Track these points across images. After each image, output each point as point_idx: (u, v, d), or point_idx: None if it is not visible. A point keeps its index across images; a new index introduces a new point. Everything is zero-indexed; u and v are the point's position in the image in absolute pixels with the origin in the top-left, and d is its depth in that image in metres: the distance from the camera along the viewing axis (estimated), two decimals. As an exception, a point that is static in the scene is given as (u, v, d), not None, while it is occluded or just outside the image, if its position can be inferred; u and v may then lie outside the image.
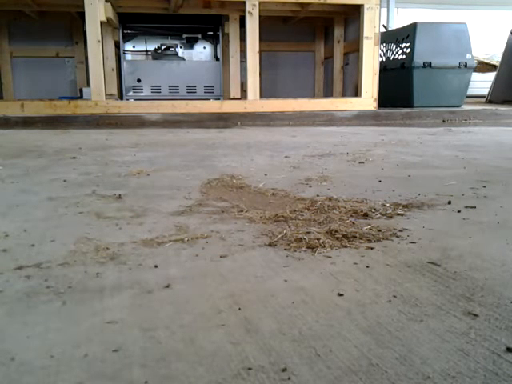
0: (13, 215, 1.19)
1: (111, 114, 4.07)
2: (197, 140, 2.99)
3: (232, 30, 5.05)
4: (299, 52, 6.06)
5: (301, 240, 0.96)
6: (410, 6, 6.97)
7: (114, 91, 5.04)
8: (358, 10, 4.52)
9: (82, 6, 3.90)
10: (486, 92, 6.25)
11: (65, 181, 1.62)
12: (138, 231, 1.05)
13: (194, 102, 4.35)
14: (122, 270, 0.83)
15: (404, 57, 4.86)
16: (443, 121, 4.44)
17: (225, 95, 5.08)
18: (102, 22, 4.02)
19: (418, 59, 4.67)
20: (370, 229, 1.04)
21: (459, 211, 1.20)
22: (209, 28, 5.03)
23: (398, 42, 4.98)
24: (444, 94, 4.82)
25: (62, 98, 4.63)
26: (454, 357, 0.56)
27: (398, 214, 1.17)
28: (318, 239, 0.96)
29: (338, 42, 5.50)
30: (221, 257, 0.89)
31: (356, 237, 0.98)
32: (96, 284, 0.77)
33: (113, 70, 5.04)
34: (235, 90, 5.21)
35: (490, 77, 6.36)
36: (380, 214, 1.17)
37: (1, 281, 0.78)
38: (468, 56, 4.77)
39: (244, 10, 4.22)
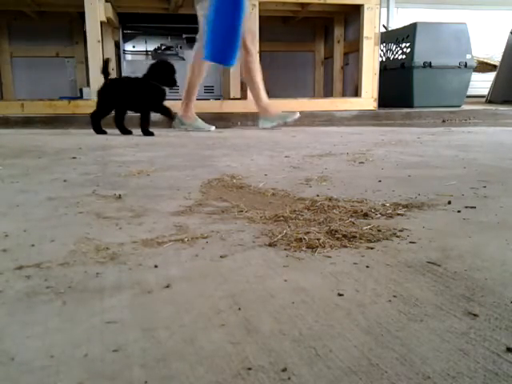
0: (13, 215, 1.19)
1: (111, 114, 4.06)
2: (197, 140, 2.99)
3: (232, 29, 5.04)
4: (299, 52, 6.06)
5: (301, 240, 0.96)
6: (410, 6, 6.96)
7: (114, 91, 5.03)
8: (357, 10, 4.52)
9: (82, 6, 3.90)
10: (486, 92, 6.24)
11: (65, 181, 1.62)
12: (138, 231, 1.05)
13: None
14: (122, 269, 0.83)
15: (404, 57, 4.86)
16: (443, 121, 4.44)
17: (225, 95, 5.08)
18: (102, 22, 4.02)
19: (418, 59, 4.67)
20: (370, 229, 1.04)
21: (459, 211, 1.20)
22: (209, 28, 5.02)
23: (397, 42, 4.98)
24: (444, 94, 4.82)
25: (62, 98, 4.63)
26: (454, 357, 0.56)
27: (398, 214, 1.17)
28: (318, 239, 0.96)
29: (338, 41, 5.49)
30: (221, 257, 0.89)
31: (356, 237, 0.98)
32: (96, 284, 0.77)
33: (113, 69, 5.03)
34: (235, 90, 5.21)
35: (489, 77, 6.35)
36: (380, 214, 1.17)
37: (1, 281, 0.78)
38: (468, 56, 4.77)
39: (244, 10, 4.22)
